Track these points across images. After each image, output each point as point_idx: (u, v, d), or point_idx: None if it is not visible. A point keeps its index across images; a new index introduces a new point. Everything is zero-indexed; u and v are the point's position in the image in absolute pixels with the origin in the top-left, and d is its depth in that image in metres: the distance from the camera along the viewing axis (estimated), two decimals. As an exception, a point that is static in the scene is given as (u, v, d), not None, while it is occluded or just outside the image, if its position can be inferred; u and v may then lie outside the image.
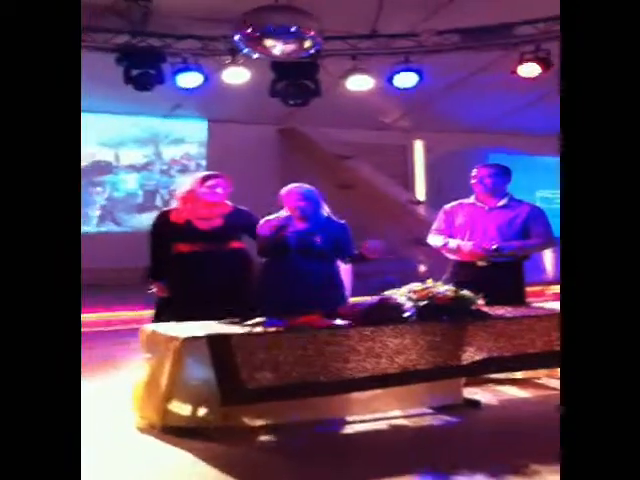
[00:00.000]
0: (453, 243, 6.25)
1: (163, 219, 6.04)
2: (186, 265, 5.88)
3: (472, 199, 6.37)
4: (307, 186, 5.82)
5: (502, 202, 6.26)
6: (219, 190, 5.92)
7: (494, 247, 6.02)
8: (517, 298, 6.10)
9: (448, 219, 6.40)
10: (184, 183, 6.59)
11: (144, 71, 10.29)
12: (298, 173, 13.01)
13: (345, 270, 6.18)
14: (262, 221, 5.79)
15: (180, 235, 5.91)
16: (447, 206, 6.50)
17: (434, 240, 6.45)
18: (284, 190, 5.80)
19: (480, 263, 6.13)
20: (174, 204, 6.17)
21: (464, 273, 6.08)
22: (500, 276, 6.00)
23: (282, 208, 5.82)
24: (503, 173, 6.31)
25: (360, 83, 11.11)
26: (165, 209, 6.24)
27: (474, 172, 6.33)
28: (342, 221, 5.84)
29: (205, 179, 5.98)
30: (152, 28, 10.16)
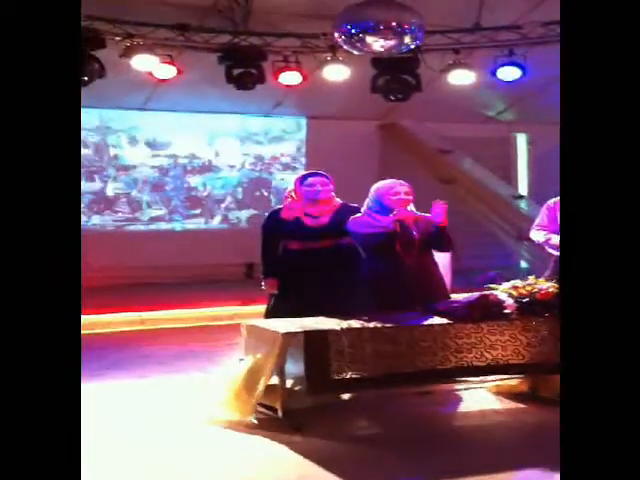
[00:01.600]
0: (556, 239, 6.16)
1: (274, 217, 6.16)
2: (296, 262, 5.96)
3: None
4: (400, 181, 5.78)
5: None
6: (318, 188, 5.95)
7: None
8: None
9: (551, 214, 6.33)
10: (288, 181, 6.65)
11: (246, 70, 10.38)
12: (399, 168, 12.91)
13: (445, 265, 6.12)
14: (357, 218, 5.74)
15: (290, 232, 6.01)
16: (550, 201, 6.44)
17: (536, 236, 6.41)
18: (382, 185, 5.73)
19: None
20: (282, 202, 6.25)
21: None
22: None
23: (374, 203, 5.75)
24: None
25: (462, 77, 10.98)
26: (276, 207, 6.34)
27: None
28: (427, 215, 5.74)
29: (304, 178, 6.04)
30: (253, 27, 10.24)
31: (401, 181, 5.75)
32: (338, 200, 6.04)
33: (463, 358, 5.01)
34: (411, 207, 5.73)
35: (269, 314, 5.99)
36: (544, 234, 6.29)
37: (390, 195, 5.65)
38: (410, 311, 5.27)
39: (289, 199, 6.15)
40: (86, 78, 9.41)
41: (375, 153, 14.65)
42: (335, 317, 5.18)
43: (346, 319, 5.10)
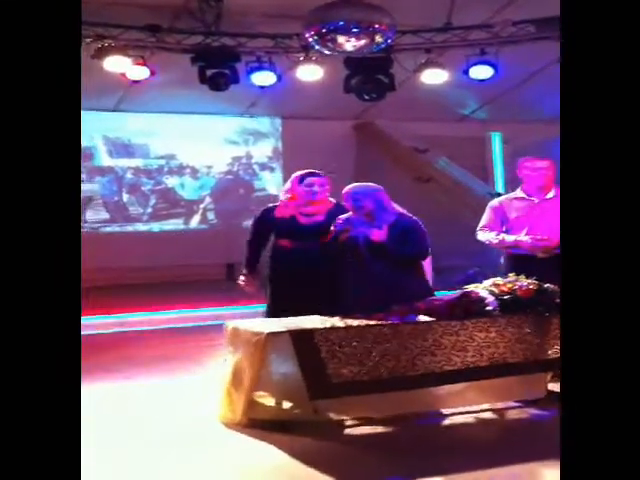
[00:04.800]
0: (510, 238, 6.22)
1: (267, 215, 6.17)
2: (288, 260, 5.97)
3: (519, 192, 6.38)
4: (367, 184, 5.79)
5: (551, 194, 6.25)
6: (315, 188, 5.99)
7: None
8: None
9: (498, 215, 6.38)
10: (266, 181, 6.65)
11: (219, 71, 10.35)
12: (375, 168, 12.97)
13: (426, 263, 6.13)
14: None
15: (284, 230, 6.03)
16: (494, 202, 6.51)
17: (485, 236, 6.39)
18: (345, 190, 5.77)
19: (541, 256, 6.10)
20: (278, 201, 6.25)
21: (523, 267, 5.91)
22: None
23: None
24: (552, 165, 6.29)
25: (435, 76, 11.00)
26: (270, 205, 6.30)
27: (521, 164, 6.39)
28: (414, 217, 5.75)
29: (302, 178, 6.06)
30: (225, 28, 10.22)
31: (363, 184, 5.81)
32: (332, 200, 6.07)
33: (465, 358, 4.99)
34: (396, 207, 5.75)
35: (268, 313, 5.99)
36: (494, 234, 6.31)
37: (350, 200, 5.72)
38: (393, 310, 5.26)
39: (285, 197, 6.13)
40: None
41: (350, 153, 14.69)
42: (321, 316, 5.20)
43: (331, 318, 5.11)
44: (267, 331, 4.87)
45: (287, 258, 6.00)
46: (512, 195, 6.43)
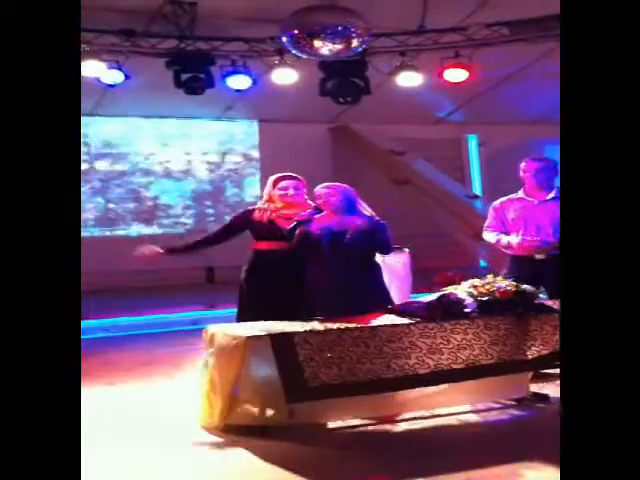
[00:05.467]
0: (505, 239, 6.29)
1: (245, 216, 6.14)
2: (266, 262, 5.95)
3: (520, 193, 6.41)
4: (339, 184, 5.83)
5: (551, 195, 6.26)
6: (290, 192, 5.98)
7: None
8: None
9: (499, 215, 6.44)
10: (247, 184, 6.63)
11: (194, 75, 10.34)
12: (352, 171, 12.98)
13: (405, 265, 6.14)
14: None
15: (262, 233, 5.99)
16: (496, 203, 6.54)
17: (488, 237, 6.50)
18: (315, 189, 5.81)
19: (538, 256, 6.13)
20: (258, 204, 6.22)
21: (522, 267, 6.07)
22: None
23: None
24: (552, 166, 6.31)
25: (410, 79, 11.03)
26: (249, 208, 6.28)
27: (523, 165, 6.39)
28: (381, 220, 5.75)
29: (277, 181, 6.07)
30: (199, 32, 10.21)
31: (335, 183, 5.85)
32: (311, 203, 6.03)
33: (439, 361, 4.96)
34: (366, 209, 5.77)
35: (241, 315, 5.95)
36: (495, 235, 6.38)
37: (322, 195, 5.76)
38: (370, 313, 5.26)
39: (264, 200, 6.13)
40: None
41: (327, 156, 14.72)
42: (299, 320, 5.18)
43: (310, 321, 5.10)
44: (246, 335, 4.85)
45: (265, 261, 5.98)
46: (514, 196, 6.44)
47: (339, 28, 8.06)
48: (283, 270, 5.83)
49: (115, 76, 10.21)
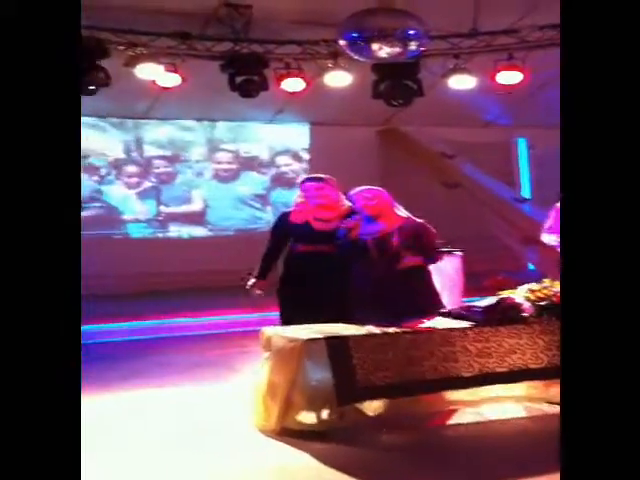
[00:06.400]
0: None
1: (283, 220, 6.19)
2: (303, 265, 5.97)
3: None
4: (374, 187, 5.82)
5: None
6: (311, 193, 5.99)
7: None
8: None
9: (558, 216, 6.31)
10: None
11: (248, 78, 10.40)
12: (400, 173, 13.00)
13: (457, 269, 6.13)
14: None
15: (299, 235, 6.02)
16: (558, 204, 6.40)
17: (548, 239, 6.41)
18: (352, 192, 5.81)
19: None
20: (293, 206, 6.26)
21: None
22: None
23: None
24: None
25: (463, 81, 11.02)
26: (286, 210, 6.34)
27: None
28: (420, 220, 5.74)
29: (302, 183, 6.12)
30: (254, 34, 10.28)
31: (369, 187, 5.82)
32: (347, 204, 6.04)
33: (485, 364, 5.00)
34: (402, 211, 5.77)
35: (283, 318, 5.99)
36: (555, 237, 6.29)
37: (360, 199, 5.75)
38: (418, 316, 5.29)
39: (298, 202, 6.17)
40: (92, 87, 9.52)
41: (375, 158, 14.71)
42: (351, 323, 5.23)
43: (363, 325, 5.15)
44: (303, 338, 4.90)
45: (301, 262, 5.99)
46: None
47: (398, 31, 8.08)
48: (321, 272, 5.81)
49: (171, 79, 10.32)
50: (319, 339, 4.89)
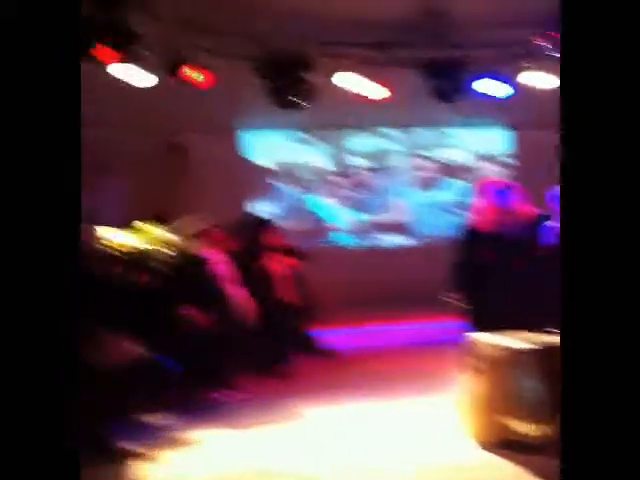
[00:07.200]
0: None
1: (470, 230, 6.19)
2: (492, 274, 5.93)
3: None
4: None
5: None
6: (500, 200, 5.97)
7: None
8: None
9: None
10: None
11: (448, 83, 10.44)
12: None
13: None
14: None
15: (485, 243, 5.99)
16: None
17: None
18: (550, 191, 5.68)
19: None
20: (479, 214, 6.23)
21: None
22: None
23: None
24: None
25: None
26: (471, 220, 6.35)
27: None
28: None
29: (488, 189, 6.12)
30: (452, 39, 10.28)
31: None
32: (534, 210, 5.96)
33: None
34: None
35: (476, 325, 5.93)
36: None
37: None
38: None
39: (482, 210, 6.12)
40: (298, 101, 9.84)
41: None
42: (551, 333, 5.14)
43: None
44: (518, 347, 4.83)
45: (490, 270, 5.94)
46: None
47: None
48: (506, 279, 5.80)
49: (376, 90, 10.48)
50: (536, 349, 4.81)
